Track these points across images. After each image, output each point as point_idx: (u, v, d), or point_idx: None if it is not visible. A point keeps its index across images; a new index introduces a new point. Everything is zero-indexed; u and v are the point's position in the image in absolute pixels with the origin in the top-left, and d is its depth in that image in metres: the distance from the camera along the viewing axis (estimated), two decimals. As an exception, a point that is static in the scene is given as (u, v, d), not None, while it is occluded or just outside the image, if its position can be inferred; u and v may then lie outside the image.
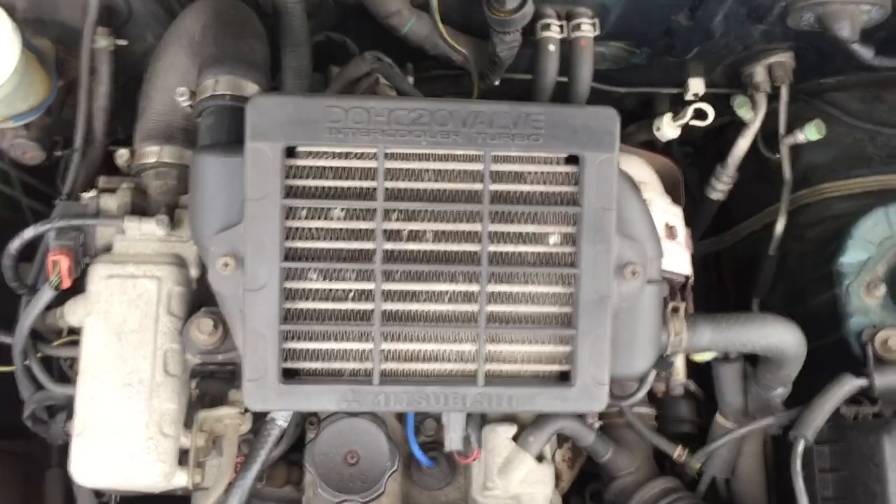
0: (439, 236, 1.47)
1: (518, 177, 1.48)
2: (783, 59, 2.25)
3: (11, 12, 1.69)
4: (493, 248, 1.47)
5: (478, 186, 1.46)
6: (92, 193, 1.68)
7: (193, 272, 1.65)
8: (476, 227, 1.46)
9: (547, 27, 1.97)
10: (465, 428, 1.65)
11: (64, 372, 1.75)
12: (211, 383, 1.70)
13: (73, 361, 1.69)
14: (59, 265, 1.58)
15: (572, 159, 1.47)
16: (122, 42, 1.88)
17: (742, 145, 2.34)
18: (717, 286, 2.70)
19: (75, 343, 1.66)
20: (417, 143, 1.44)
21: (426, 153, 1.45)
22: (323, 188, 1.45)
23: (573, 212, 1.46)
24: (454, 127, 1.44)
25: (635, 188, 1.58)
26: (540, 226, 1.48)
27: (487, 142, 1.44)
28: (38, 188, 2.16)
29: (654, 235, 1.56)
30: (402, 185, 1.46)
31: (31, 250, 1.70)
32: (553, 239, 1.49)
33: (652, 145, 2.42)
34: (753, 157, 2.37)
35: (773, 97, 2.31)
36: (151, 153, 1.73)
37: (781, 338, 1.66)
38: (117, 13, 1.90)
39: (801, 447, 1.70)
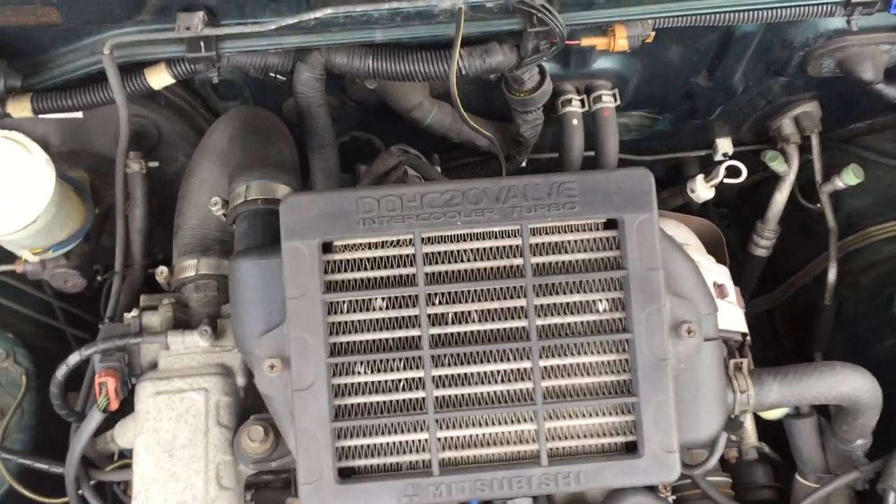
0: (485, 315, 1.44)
1: (558, 247, 1.45)
2: (809, 108, 2.25)
3: (46, 147, 1.74)
4: (540, 321, 1.43)
5: (518, 261, 1.44)
6: (134, 313, 1.68)
7: (240, 381, 1.63)
8: (521, 302, 1.43)
9: (568, 102, 2.00)
10: (532, 510, 1.58)
11: (118, 497, 1.72)
12: (266, 494, 1.65)
13: (127, 486, 1.67)
14: (107, 386, 1.57)
15: (611, 223, 1.44)
16: (154, 164, 1.93)
17: (780, 199, 2.31)
18: (773, 344, 2.62)
19: (127, 467, 1.64)
20: (453, 225, 1.43)
21: (463, 233, 1.44)
22: (363, 279, 1.43)
23: (619, 276, 1.43)
24: (488, 204, 1.43)
25: (679, 245, 1.54)
26: (586, 294, 1.44)
27: (523, 215, 1.43)
28: (81, 317, 2.18)
29: (706, 290, 1.51)
30: (441, 268, 1.44)
31: (78, 379, 1.69)
32: (601, 306, 1.45)
33: (687, 208, 2.39)
34: (792, 208, 2.34)
35: (804, 148, 2.29)
36: (190, 267, 1.75)
37: (853, 385, 1.57)
38: (148, 137, 1.95)
39: (892, 500, 1.61)
